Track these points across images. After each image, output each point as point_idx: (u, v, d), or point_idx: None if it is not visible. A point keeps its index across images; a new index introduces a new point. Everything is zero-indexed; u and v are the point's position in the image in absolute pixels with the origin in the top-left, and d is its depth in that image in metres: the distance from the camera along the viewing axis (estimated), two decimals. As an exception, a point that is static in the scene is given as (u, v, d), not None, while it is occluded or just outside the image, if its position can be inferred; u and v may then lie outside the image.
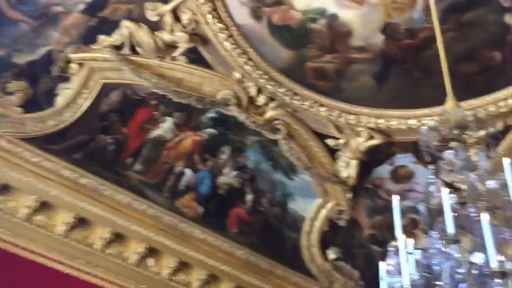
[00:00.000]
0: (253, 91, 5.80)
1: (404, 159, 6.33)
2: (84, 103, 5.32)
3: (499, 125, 5.57)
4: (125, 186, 5.53)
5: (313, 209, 6.61)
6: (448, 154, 3.65)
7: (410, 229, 6.46)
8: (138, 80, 5.35)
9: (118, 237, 5.42)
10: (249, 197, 6.33)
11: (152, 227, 5.58)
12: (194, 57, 5.54)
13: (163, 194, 5.81)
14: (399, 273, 3.25)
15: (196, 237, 5.86)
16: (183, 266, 5.74)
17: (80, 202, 5.18)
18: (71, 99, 5.26)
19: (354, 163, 6.27)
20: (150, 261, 5.58)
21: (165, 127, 5.76)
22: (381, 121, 5.95)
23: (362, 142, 6.16)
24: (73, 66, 5.23)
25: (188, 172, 5.96)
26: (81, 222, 5.24)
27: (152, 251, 5.59)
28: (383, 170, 6.48)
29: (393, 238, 3.54)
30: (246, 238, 6.26)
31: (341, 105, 5.91)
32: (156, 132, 5.75)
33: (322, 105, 5.90)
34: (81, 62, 5.23)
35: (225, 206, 6.20)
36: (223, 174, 6.19)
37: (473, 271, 2.94)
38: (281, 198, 6.54)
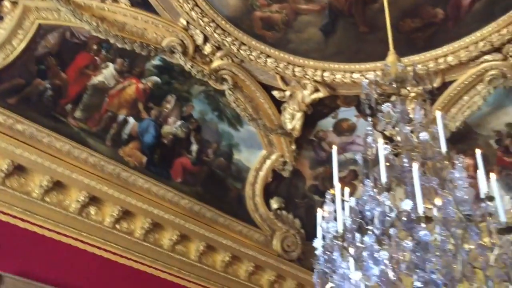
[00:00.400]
0: (199, 39, 5.68)
1: (347, 113, 6.50)
2: (19, 45, 5.04)
3: (438, 81, 5.78)
4: (64, 133, 5.36)
5: (258, 160, 6.72)
6: (386, 107, 3.77)
7: (350, 180, 6.75)
8: (77, 22, 5.09)
9: (57, 186, 5.29)
10: (194, 147, 6.31)
11: (94, 176, 5.48)
12: (138, 0, 5.32)
13: (106, 142, 5.69)
14: (335, 219, 3.40)
15: (139, 186, 5.82)
16: (126, 214, 5.71)
17: (16, 148, 4.98)
18: (5, 40, 4.96)
19: (299, 115, 6.37)
20: (92, 210, 5.51)
21: (107, 73, 5.57)
22: (326, 74, 6.02)
23: (307, 95, 6.24)
24: (6, 4, 4.90)
25: (131, 120, 5.85)
26: (18, 170, 5.06)
27: (94, 200, 5.51)
28: (327, 123, 6.63)
29: (333, 188, 3.66)
30: (191, 188, 6.29)
31: (288, 56, 5.91)
32: (97, 78, 5.55)
33: (269, 56, 5.88)
34: (15, 0, 4.90)
35: (170, 156, 6.16)
36: (168, 124, 6.11)
37: (402, 217, 3.12)
38: (226, 149, 6.57)
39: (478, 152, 3.37)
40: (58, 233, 5.21)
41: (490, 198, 3.10)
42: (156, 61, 5.76)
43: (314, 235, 3.59)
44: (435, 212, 3.32)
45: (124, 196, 5.65)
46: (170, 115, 6.10)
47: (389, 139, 3.81)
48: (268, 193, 6.87)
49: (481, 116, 6.03)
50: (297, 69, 5.99)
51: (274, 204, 6.95)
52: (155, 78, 5.85)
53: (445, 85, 5.85)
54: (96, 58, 5.49)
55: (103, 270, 5.40)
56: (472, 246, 3.09)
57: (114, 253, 5.55)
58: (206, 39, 5.71)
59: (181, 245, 6.09)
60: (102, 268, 5.40)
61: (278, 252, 6.80)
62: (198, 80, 5.96)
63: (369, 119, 3.86)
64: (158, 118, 6.01)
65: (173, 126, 6.14)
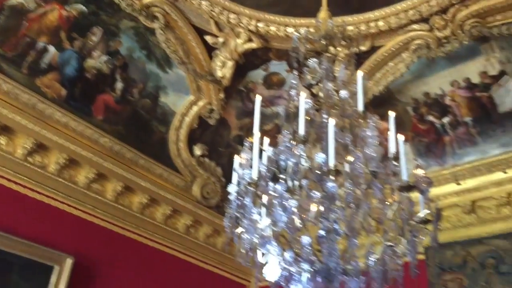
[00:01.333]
0: (132, -30, 5.39)
1: (278, 67, 6.52)
2: None
3: (367, 45, 5.92)
4: (-26, 55, 4.96)
5: (185, 105, 6.64)
6: (312, 63, 3.82)
7: (274, 134, 6.85)
8: None
9: (-36, 111, 4.94)
10: (119, 85, 6.08)
11: (6, 104, 5.15)
12: None
13: (22, 70, 5.32)
14: (251, 166, 3.47)
15: (56, 119, 5.56)
16: (40, 148, 5.46)
17: None
18: None
19: (230, 64, 6.31)
20: (3, 140, 5.21)
21: (27, -6, 5.15)
22: (261, 24, 5.97)
23: (240, 44, 6.17)
24: None
25: (52, 49, 5.49)
26: None
27: (5, 130, 5.20)
28: (257, 75, 6.63)
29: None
30: (112, 127, 6.10)
31: (223, 1, 5.77)
32: (15, -1, 5.13)
33: (204, -2, 5.71)
34: None
35: (92, 91, 5.90)
36: (92, 58, 5.82)
37: (314, 169, 3.23)
38: (153, 90, 6.41)
39: (391, 114, 3.53)
40: (-38, 161, 4.90)
41: (396, 158, 3.29)
42: (83, -12, 5.42)
43: (234, 183, 3.64)
44: (346, 167, 3.49)
45: (39, 129, 5.39)
46: (95, 48, 5.80)
47: (314, 96, 3.89)
48: (192, 139, 6.85)
49: (402, 83, 6.29)
50: (232, 15, 5.88)
51: (198, 150, 6.95)
52: (81, 7, 5.50)
53: (373, 50, 6.00)
54: (15, -24, 5.05)
55: (12, 204, 5.18)
56: (374, 201, 3.30)
57: (25, 187, 5.32)
58: (139, -29, 5.42)
59: (98, 183, 5.96)
60: (11, 201, 5.18)
61: (197, 198, 6.87)
62: (128, 15, 5.68)
63: (295, 72, 3.90)
64: (82, 50, 5.70)
65: (97, 61, 5.85)
